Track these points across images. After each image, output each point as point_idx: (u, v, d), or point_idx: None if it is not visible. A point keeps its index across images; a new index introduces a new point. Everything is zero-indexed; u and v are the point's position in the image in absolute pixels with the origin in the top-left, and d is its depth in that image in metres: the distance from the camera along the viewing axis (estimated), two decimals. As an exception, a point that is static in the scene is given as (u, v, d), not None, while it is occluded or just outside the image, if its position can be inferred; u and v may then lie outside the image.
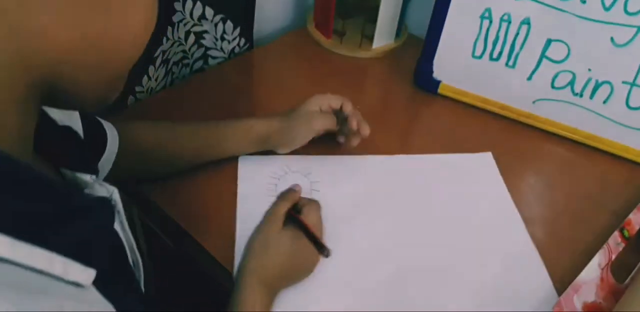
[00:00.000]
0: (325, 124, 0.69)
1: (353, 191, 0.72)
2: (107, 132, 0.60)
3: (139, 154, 0.66)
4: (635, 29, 0.70)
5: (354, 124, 0.70)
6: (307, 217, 0.62)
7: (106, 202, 0.39)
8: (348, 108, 0.71)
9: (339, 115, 0.72)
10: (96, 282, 0.33)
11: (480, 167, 0.78)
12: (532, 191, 0.76)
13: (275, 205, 0.63)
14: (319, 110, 0.71)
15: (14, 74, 0.29)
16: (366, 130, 0.70)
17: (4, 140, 0.30)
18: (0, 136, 0.30)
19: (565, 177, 0.78)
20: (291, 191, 0.66)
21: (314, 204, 0.64)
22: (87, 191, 0.41)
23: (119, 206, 0.41)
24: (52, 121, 0.43)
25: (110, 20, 0.31)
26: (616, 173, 0.79)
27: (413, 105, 0.90)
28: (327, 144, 0.76)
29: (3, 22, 0.26)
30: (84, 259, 0.32)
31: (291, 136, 0.70)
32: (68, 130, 0.45)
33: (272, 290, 0.57)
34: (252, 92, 0.90)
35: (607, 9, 0.71)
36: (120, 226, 0.42)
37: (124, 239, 0.42)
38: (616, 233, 0.67)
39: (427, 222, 0.70)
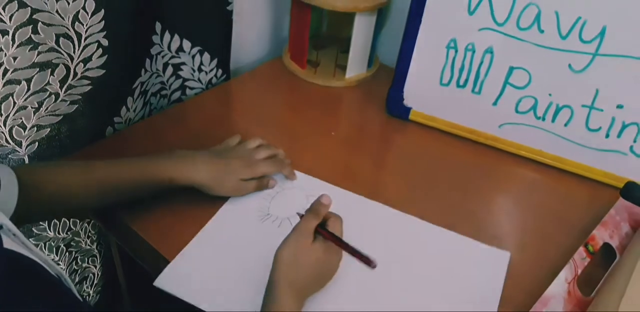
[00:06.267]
0: (255, 190, 0.75)
1: (348, 234, 0.66)
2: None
3: (53, 196, 0.63)
4: (590, 56, 0.75)
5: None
6: (333, 230, 0.63)
7: None
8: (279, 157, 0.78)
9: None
10: None
11: (490, 263, 0.70)
12: (501, 210, 0.79)
13: (305, 220, 0.63)
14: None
15: None
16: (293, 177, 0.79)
17: None
18: None
19: (532, 197, 0.81)
20: (321, 204, 0.65)
21: (338, 217, 0.65)
22: None
23: (13, 228, 0.42)
24: None
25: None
26: (580, 192, 0.82)
27: (386, 132, 0.93)
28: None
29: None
30: None
31: (218, 191, 0.73)
32: None
33: (304, 297, 0.60)
34: (230, 121, 0.92)
35: (563, 38, 0.75)
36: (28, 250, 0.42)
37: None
38: (581, 249, 0.69)
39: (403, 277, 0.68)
